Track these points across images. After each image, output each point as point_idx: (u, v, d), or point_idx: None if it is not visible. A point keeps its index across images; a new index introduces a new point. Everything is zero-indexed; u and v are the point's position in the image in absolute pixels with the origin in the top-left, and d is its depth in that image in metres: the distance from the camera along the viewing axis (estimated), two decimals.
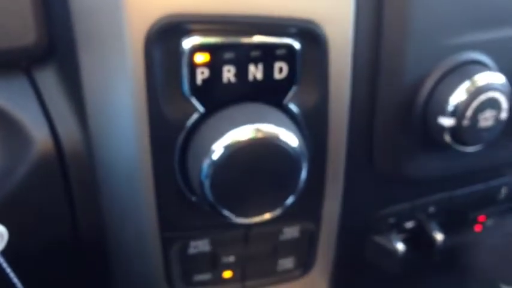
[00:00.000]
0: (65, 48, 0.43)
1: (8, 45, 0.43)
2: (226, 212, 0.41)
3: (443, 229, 0.53)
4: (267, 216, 0.42)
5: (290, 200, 0.42)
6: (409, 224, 0.53)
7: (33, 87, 0.44)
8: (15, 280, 0.39)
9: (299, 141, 0.40)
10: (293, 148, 0.40)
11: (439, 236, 0.53)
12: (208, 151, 0.39)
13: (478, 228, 0.58)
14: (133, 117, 0.40)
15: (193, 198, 0.43)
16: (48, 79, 0.45)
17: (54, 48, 0.44)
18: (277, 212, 0.42)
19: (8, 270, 0.40)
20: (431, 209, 0.53)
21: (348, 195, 0.49)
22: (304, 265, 0.51)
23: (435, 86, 0.45)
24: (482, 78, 0.44)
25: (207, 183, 0.39)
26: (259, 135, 0.39)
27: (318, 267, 0.52)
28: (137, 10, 0.38)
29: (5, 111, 0.43)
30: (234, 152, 0.39)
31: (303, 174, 0.41)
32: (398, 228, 0.53)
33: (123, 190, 0.44)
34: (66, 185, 0.44)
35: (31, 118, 0.43)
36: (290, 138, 0.40)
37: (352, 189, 0.49)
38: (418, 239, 0.53)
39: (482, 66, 0.45)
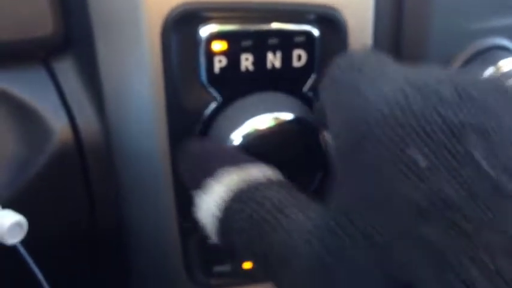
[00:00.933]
0: (82, 38, 0.43)
1: (25, 36, 0.43)
2: None
3: None
4: None
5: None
6: None
7: (51, 78, 0.44)
8: (36, 270, 0.39)
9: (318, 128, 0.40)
10: (314, 133, 0.39)
11: None
12: (226, 140, 0.39)
13: None
14: (151, 106, 0.40)
15: None
16: (66, 69, 0.45)
17: (71, 38, 0.44)
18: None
19: (29, 260, 0.41)
20: None
21: None
22: None
23: None
24: (507, 63, 0.43)
25: None
26: (279, 123, 0.38)
27: None
28: None
29: (23, 102, 0.43)
30: (253, 140, 0.38)
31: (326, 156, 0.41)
32: None
33: (142, 180, 0.44)
34: (85, 175, 0.44)
35: (50, 108, 0.44)
36: (310, 126, 0.39)
37: None
38: None
39: (506, 51, 0.44)
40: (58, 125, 0.43)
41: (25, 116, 0.43)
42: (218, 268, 0.47)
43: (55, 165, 0.43)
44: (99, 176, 0.44)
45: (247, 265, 0.48)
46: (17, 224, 0.36)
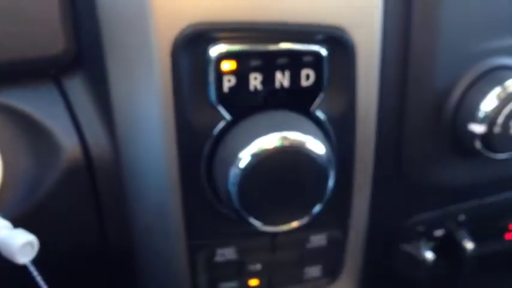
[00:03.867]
0: (93, 56, 0.44)
1: (37, 54, 0.44)
2: (253, 220, 0.41)
3: (473, 238, 0.52)
4: (294, 224, 0.42)
5: (317, 208, 0.41)
6: (439, 232, 0.52)
7: (62, 96, 0.45)
8: (40, 280, 0.39)
9: (326, 149, 0.40)
10: (320, 156, 0.39)
11: (469, 245, 0.52)
12: (235, 159, 0.39)
13: (509, 236, 0.57)
14: (161, 125, 0.41)
15: (220, 207, 0.43)
16: (77, 87, 0.45)
17: (82, 57, 0.45)
18: (304, 220, 0.42)
19: (39, 279, 0.41)
20: (461, 217, 0.52)
21: (376, 204, 0.48)
22: (332, 273, 0.50)
23: (465, 92, 0.44)
24: None
25: (234, 192, 0.39)
26: (286, 143, 0.39)
27: (346, 276, 0.51)
28: (164, 18, 0.38)
29: (34, 119, 0.43)
30: (261, 160, 0.39)
31: (330, 183, 0.41)
32: (427, 236, 0.52)
33: (151, 198, 0.44)
34: (95, 193, 0.44)
35: (60, 126, 0.44)
36: (317, 146, 0.39)
37: (380, 197, 0.48)
38: (447, 248, 0.52)
39: None
40: (68, 143, 0.44)
41: (36, 134, 0.43)
42: (224, 285, 0.48)
43: (65, 183, 0.43)
44: (109, 194, 0.45)
45: (253, 282, 0.48)
46: (29, 244, 0.36)
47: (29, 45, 0.43)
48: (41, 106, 0.44)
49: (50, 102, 0.44)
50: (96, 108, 0.45)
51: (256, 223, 0.41)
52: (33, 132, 0.43)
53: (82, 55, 0.45)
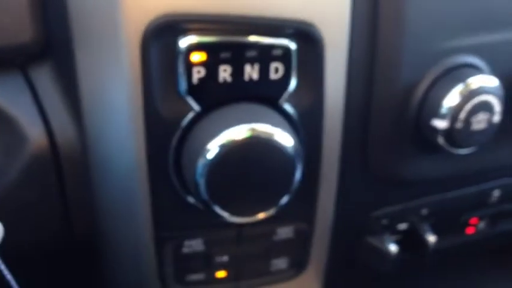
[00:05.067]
0: (61, 46, 0.43)
1: (3, 42, 0.43)
2: (220, 211, 0.41)
3: (436, 231, 0.54)
4: (261, 215, 0.42)
5: (284, 199, 0.42)
6: (402, 226, 0.54)
7: (28, 85, 0.44)
8: (9, 277, 0.39)
9: (294, 142, 0.41)
10: (288, 148, 0.40)
11: (431, 238, 0.53)
12: (203, 150, 0.39)
13: (470, 230, 0.59)
14: (129, 115, 0.40)
15: (188, 198, 0.43)
16: (44, 77, 0.45)
17: (50, 46, 0.44)
18: (271, 211, 0.42)
19: (2, 266, 0.40)
20: (424, 211, 0.54)
21: (342, 196, 0.49)
22: (298, 265, 0.51)
23: (429, 88, 0.45)
24: (476, 81, 0.44)
25: (201, 183, 0.40)
26: (255, 134, 0.39)
27: (312, 268, 0.52)
28: (134, 9, 0.38)
29: None
30: (229, 151, 0.39)
31: (298, 175, 0.41)
32: (392, 229, 0.53)
33: (118, 188, 0.44)
34: (60, 183, 0.44)
35: (26, 115, 0.43)
36: (285, 138, 0.40)
37: (346, 190, 0.49)
38: (410, 241, 0.54)
39: (475, 69, 0.46)
40: (34, 132, 0.43)
41: (1, 123, 0.43)
42: (192, 277, 0.48)
43: (30, 172, 0.43)
44: (75, 184, 0.44)
45: (220, 274, 0.49)
46: None
47: None
48: (7, 95, 0.43)
49: (16, 91, 0.44)
50: (63, 98, 0.44)
51: (224, 214, 0.41)
52: None
53: (50, 44, 0.44)
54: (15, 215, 0.43)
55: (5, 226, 0.41)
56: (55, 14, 0.43)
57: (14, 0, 0.42)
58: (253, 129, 0.39)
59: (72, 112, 0.44)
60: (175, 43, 0.39)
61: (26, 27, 0.43)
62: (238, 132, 0.39)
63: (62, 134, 0.44)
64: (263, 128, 0.39)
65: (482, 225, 0.59)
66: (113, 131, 0.42)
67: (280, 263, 0.50)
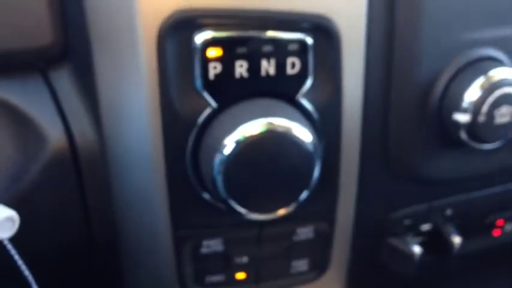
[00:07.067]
0: (79, 47, 0.44)
1: (24, 45, 0.44)
2: (239, 208, 0.40)
3: (461, 233, 0.52)
4: (280, 212, 0.42)
5: (304, 195, 0.41)
6: (426, 227, 0.52)
7: (48, 87, 0.45)
8: (23, 267, 0.39)
9: (313, 137, 0.40)
10: (306, 142, 0.39)
11: (456, 240, 0.52)
12: (220, 146, 0.39)
13: (496, 233, 0.57)
14: (146, 113, 0.41)
15: (206, 195, 0.43)
16: (63, 79, 0.45)
17: (69, 48, 0.45)
18: (291, 208, 0.42)
19: (17, 257, 0.40)
20: (448, 212, 0.52)
21: (362, 196, 0.48)
22: (319, 267, 0.50)
23: (450, 81, 0.44)
24: (497, 73, 0.43)
25: (219, 179, 0.39)
26: (272, 129, 0.39)
27: (333, 270, 0.51)
28: (149, 6, 0.38)
29: (20, 110, 0.43)
30: (246, 146, 0.39)
31: (316, 170, 0.41)
32: (415, 230, 0.52)
33: (136, 188, 0.44)
34: (80, 184, 0.44)
35: (46, 117, 0.44)
36: (303, 133, 0.39)
37: (366, 189, 0.48)
38: (435, 242, 0.52)
39: (497, 62, 0.45)
40: (53, 133, 0.43)
41: (21, 124, 0.43)
42: (211, 278, 0.47)
43: (49, 173, 0.43)
44: (94, 185, 0.44)
45: (240, 275, 0.48)
46: (9, 219, 0.36)
47: (17, 37, 0.43)
48: (27, 97, 0.44)
49: (36, 93, 0.44)
50: (82, 99, 0.45)
51: (242, 211, 0.40)
52: (19, 122, 0.43)
53: (69, 46, 0.45)
54: (34, 216, 0.43)
55: (23, 227, 0.41)
56: (73, 16, 0.43)
57: (34, 3, 0.43)
58: (270, 124, 0.39)
59: (91, 113, 0.44)
60: (191, 39, 0.39)
61: (46, 30, 0.44)
62: (255, 127, 0.39)
63: (81, 135, 0.44)
64: (280, 122, 0.39)
65: (509, 227, 0.57)
66: (131, 129, 0.42)
67: (300, 265, 0.49)
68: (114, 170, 0.44)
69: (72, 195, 0.44)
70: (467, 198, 0.52)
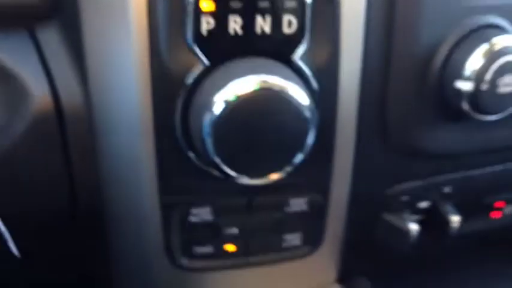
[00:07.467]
0: (67, 4, 0.42)
1: (10, 1, 0.42)
2: (228, 171, 0.39)
3: (459, 213, 0.51)
4: (272, 177, 0.40)
5: (297, 159, 0.39)
6: (423, 204, 0.51)
7: (34, 44, 0.43)
8: (7, 236, 0.37)
9: (309, 101, 0.38)
10: (302, 104, 0.38)
11: (454, 218, 0.50)
12: (209, 104, 0.37)
13: (496, 215, 0.55)
14: (135, 69, 0.39)
15: (195, 158, 0.41)
16: (50, 37, 0.43)
17: (57, 5, 0.43)
18: (283, 172, 0.40)
19: (4, 229, 0.39)
20: (447, 189, 0.51)
21: (359, 168, 0.46)
22: (312, 242, 0.48)
23: (452, 49, 0.43)
24: (501, 41, 0.42)
25: (208, 140, 0.37)
26: (265, 86, 0.37)
27: (327, 246, 0.49)
28: None
29: (5, 66, 0.42)
30: (238, 105, 0.37)
31: (311, 135, 0.39)
32: (412, 208, 0.50)
33: (123, 149, 0.42)
34: (64, 143, 0.42)
35: (31, 74, 0.42)
36: (299, 94, 0.38)
37: (362, 161, 0.46)
38: (432, 221, 0.51)
39: (500, 29, 0.43)
40: (38, 90, 0.42)
41: (5, 80, 0.42)
42: (200, 249, 0.45)
43: (33, 131, 0.41)
44: (79, 145, 0.43)
45: (230, 247, 0.46)
46: None
47: None
48: (13, 53, 0.42)
49: (22, 50, 0.43)
50: (69, 57, 0.43)
51: (232, 173, 0.39)
52: (3, 78, 0.42)
53: (57, 4, 0.43)
54: (16, 176, 0.42)
55: (5, 187, 0.40)
56: None
57: None
58: (264, 82, 0.37)
59: (78, 71, 0.43)
60: None
61: None
62: (248, 85, 0.37)
63: (67, 94, 0.43)
64: (275, 81, 0.37)
65: (509, 209, 0.56)
66: (118, 86, 0.41)
67: (293, 239, 0.47)
68: (100, 130, 0.43)
69: (56, 154, 0.43)
70: (467, 175, 0.51)
